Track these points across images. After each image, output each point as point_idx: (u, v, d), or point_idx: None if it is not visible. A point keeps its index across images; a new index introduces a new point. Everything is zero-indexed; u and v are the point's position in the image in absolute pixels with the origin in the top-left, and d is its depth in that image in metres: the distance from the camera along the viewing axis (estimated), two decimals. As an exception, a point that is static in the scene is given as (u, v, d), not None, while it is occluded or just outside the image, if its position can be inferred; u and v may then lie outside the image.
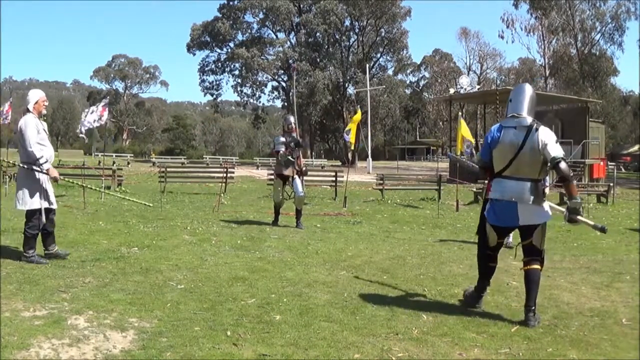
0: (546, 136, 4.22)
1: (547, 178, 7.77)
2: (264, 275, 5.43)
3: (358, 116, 13.58)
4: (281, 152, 8.87)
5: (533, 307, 4.20)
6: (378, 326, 3.99)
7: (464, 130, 13.03)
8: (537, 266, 4.30)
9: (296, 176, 9.03)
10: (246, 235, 7.91)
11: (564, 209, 4.35)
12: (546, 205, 4.37)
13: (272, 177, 15.72)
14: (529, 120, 4.30)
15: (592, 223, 4.42)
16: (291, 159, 8.93)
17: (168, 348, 3.43)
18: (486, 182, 4.77)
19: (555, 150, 4.18)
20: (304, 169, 9.24)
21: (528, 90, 4.47)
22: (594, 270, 6.24)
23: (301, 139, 9.52)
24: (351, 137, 14.28)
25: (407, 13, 49.30)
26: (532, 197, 4.25)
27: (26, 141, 5.50)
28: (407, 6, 50.19)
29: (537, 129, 4.23)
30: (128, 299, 4.43)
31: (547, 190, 7.90)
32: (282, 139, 9.05)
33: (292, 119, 9.33)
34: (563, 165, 4.15)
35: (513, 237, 6.88)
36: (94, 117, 12.44)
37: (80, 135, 12.92)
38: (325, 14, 45.90)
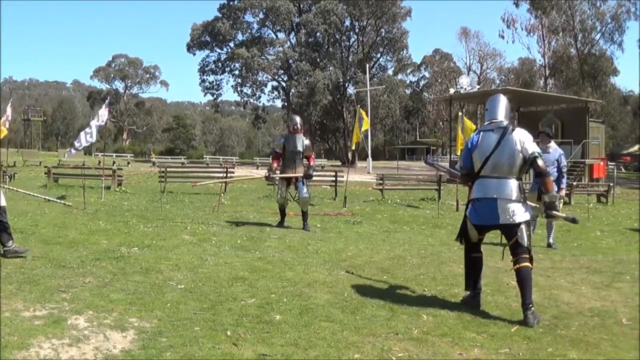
0: (523, 135, 4.51)
1: (564, 181, 8.03)
2: (264, 275, 5.43)
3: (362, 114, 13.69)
4: (268, 175, 8.85)
5: (531, 305, 4.24)
6: (378, 326, 4.00)
7: (469, 126, 13.12)
8: (526, 264, 4.37)
9: (300, 179, 8.81)
10: (246, 235, 7.91)
11: (540, 205, 4.66)
12: (526, 204, 4.53)
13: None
14: (504, 123, 4.59)
15: (564, 215, 4.82)
16: (274, 175, 8.77)
17: (168, 348, 3.43)
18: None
19: (532, 147, 4.46)
20: (311, 171, 8.95)
21: (502, 98, 4.80)
22: (594, 270, 6.24)
23: (306, 137, 9.18)
24: (355, 135, 14.28)
25: (407, 13, 49.33)
26: (512, 195, 4.42)
27: None
28: (407, 6, 50.22)
29: (513, 130, 4.52)
30: (128, 299, 4.43)
31: (563, 193, 8.14)
32: (282, 140, 8.91)
33: (298, 119, 9.13)
34: (540, 161, 4.43)
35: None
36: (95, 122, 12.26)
37: (77, 146, 12.57)
38: (325, 14, 45.88)
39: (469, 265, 4.75)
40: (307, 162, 9.00)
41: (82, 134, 12.09)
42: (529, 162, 4.42)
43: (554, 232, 8.10)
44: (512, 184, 4.43)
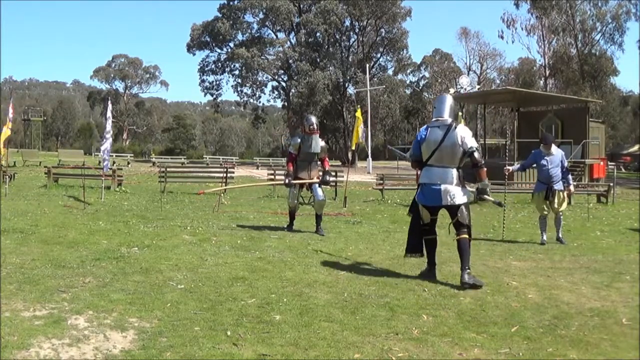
0: (464, 132, 5.34)
1: (570, 177, 8.55)
2: (264, 275, 5.43)
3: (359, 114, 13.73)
4: (288, 181, 8.36)
5: (467, 268, 5.18)
6: (378, 326, 4.00)
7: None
8: (465, 236, 5.30)
9: (316, 182, 8.43)
10: (246, 235, 7.91)
11: (474, 190, 5.46)
12: (466, 189, 5.37)
13: (272, 176, 15.78)
14: (449, 121, 5.40)
15: (492, 199, 5.66)
16: (294, 182, 8.34)
17: (168, 348, 3.43)
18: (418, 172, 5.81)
19: (471, 142, 5.30)
20: (327, 177, 8.57)
21: (448, 98, 5.66)
22: (594, 270, 6.24)
23: (322, 138, 8.69)
24: (355, 136, 14.27)
25: (408, 13, 49.27)
26: (453, 181, 5.28)
27: None
28: (407, 6, 50.19)
29: (455, 127, 5.33)
30: (128, 299, 4.43)
31: (572, 188, 8.63)
32: (298, 141, 8.41)
33: (314, 119, 8.63)
34: (476, 154, 5.29)
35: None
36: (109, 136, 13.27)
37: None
38: (326, 14, 45.86)
39: (426, 245, 5.54)
40: (321, 166, 8.58)
41: (105, 144, 13.36)
42: (468, 154, 5.25)
43: (562, 229, 8.50)
44: (454, 173, 5.30)
